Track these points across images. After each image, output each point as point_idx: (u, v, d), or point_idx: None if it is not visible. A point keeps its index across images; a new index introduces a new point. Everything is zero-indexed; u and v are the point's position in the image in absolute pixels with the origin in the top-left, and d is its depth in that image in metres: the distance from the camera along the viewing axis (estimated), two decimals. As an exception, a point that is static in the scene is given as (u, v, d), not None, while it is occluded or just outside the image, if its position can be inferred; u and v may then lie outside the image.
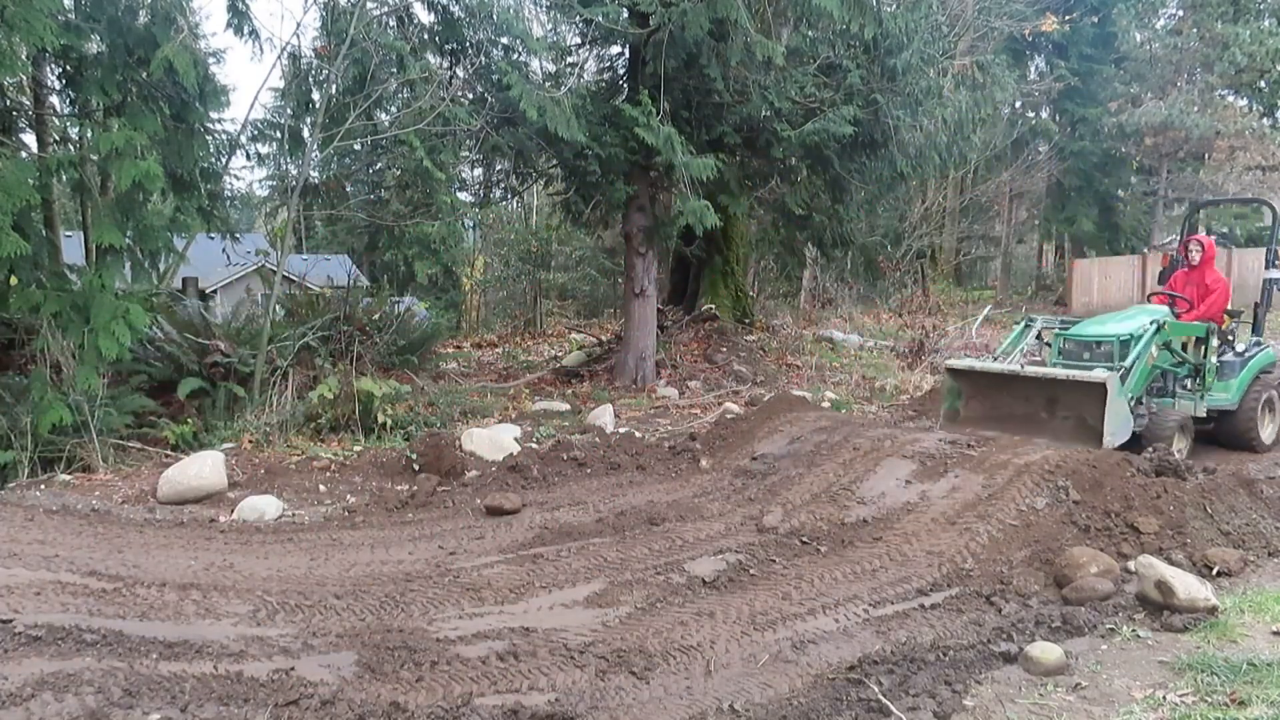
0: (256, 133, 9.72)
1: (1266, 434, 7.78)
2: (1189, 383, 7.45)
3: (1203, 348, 7.41)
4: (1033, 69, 28.52)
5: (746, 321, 15.82)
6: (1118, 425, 6.44)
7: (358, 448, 7.68)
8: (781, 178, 12.23)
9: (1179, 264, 8.21)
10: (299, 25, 13.31)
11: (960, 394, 7.51)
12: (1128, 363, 6.72)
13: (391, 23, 9.93)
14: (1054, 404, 6.96)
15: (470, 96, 10.15)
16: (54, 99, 9.24)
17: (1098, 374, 6.50)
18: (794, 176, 12.29)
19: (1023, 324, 8.07)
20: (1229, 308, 8.07)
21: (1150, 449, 6.14)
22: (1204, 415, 7.36)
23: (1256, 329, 8.32)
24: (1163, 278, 8.59)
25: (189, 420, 7.90)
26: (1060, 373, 6.84)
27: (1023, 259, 34.29)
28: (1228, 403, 7.55)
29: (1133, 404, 6.79)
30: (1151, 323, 7.02)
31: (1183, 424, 7.03)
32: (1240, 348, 7.88)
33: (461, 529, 5.72)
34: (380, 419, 8.16)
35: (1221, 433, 7.67)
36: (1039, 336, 8.07)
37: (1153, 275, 22.66)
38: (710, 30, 9.33)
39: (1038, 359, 8.25)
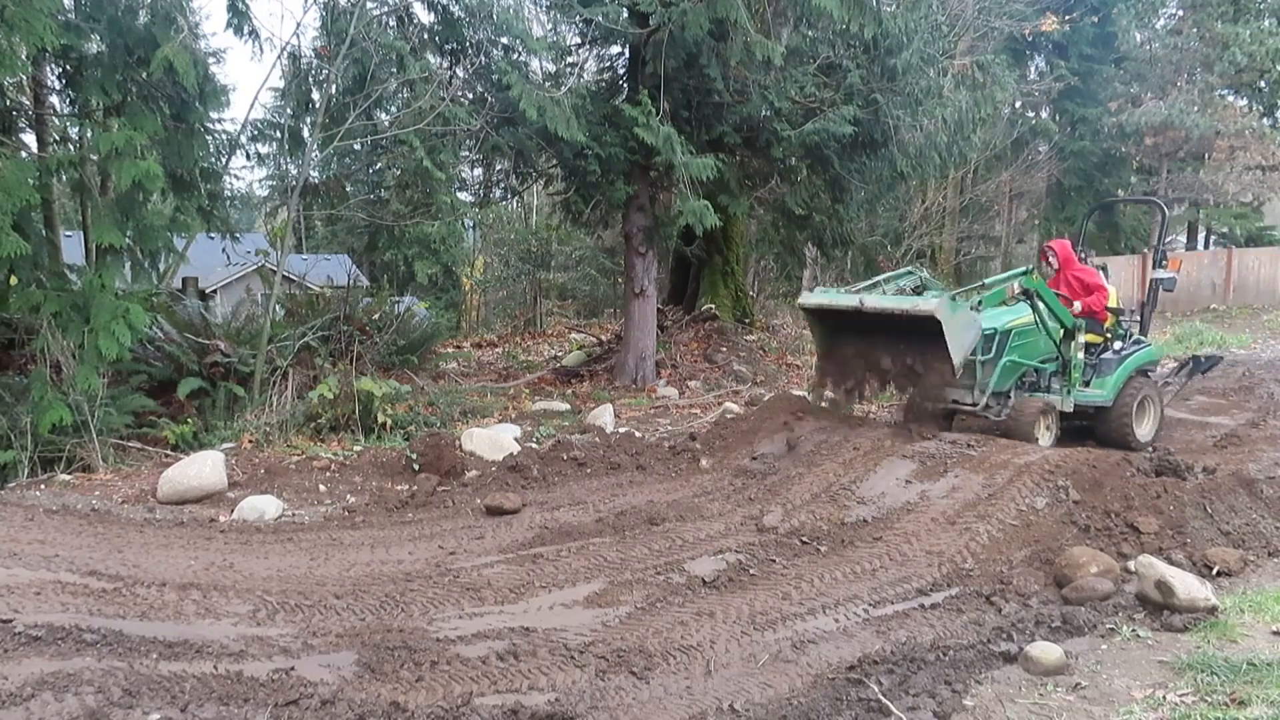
0: (256, 133, 9.72)
1: (1143, 432, 7.89)
2: (1056, 380, 7.72)
3: (1070, 342, 7.58)
4: (1033, 69, 28.47)
5: (746, 321, 15.82)
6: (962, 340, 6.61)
7: (358, 448, 7.68)
8: (781, 178, 12.23)
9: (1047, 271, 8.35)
10: (299, 25, 13.35)
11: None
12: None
13: (391, 23, 9.93)
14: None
15: (470, 96, 10.15)
16: (54, 99, 9.25)
17: (927, 304, 6.60)
18: (794, 176, 12.28)
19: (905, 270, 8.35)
20: (1113, 305, 8.24)
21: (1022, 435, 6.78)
22: (1070, 410, 7.55)
23: (1142, 329, 8.62)
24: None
25: (189, 420, 7.90)
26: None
27: (1022, 259, 34.17)
28: (1103, 400, 7.70)
29: (986, 398, 7.26)
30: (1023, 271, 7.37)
31: (1044, 409, 7.27)
32: (1118, 346, 8.04)
33: (461, 529, 5.72)
34: (380, 419, 8.17)
35: (1099, 430, 7.82)
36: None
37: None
38: (710, 30, 9.33)
39: None
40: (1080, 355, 7.66)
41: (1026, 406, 7.25)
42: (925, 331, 6.53)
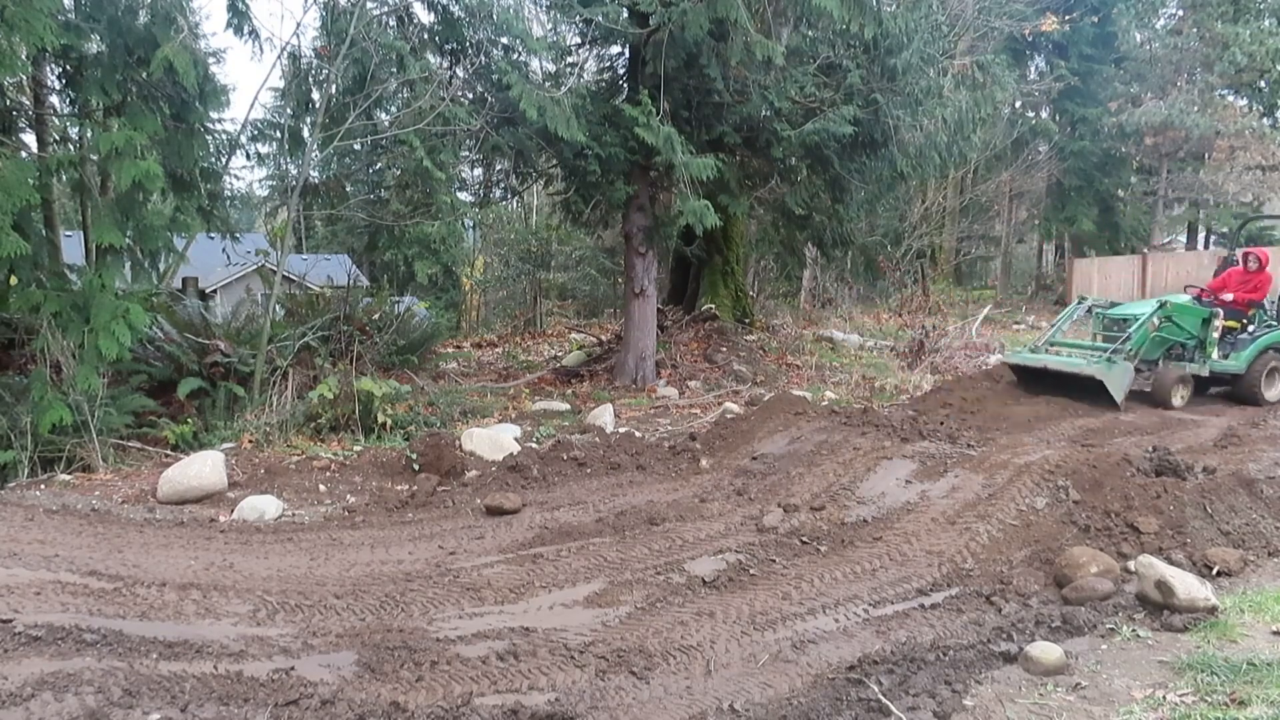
0: (256, 133, 9.72)
1: (1271, 394, 10.04)
2: (1195, 352, 9.95)
3: (1207, 327, 9.87)
4: (1033, 69, 28.46)
5: (746, 321, 15.82)
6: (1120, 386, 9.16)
7: (358, 448, 7.68)
8: (781, 178, 12.23)
9: (1232, 263, 10.90)
10: (299, 25, 13.38)
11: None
12: (1130, 333, 9.46)
13: (391, 23, 9.93)
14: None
15: (470, 96, 10.15)
16: (54, 99, 9.25)
17: (1091, 369, 9.23)
18: (794, 176, 12.28)
19: (1075, 301, 11.00)
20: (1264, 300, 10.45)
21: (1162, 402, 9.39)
22: (1207, 375, 9.85)
23: (1278, 316, 10.65)
24: (1216, 273, 11.17)
25: (189, 420, 7.90)
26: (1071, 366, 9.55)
27: (1023, 259, 34.24)
28: (1236, 369, 9.92)
29: (1137, 363, 9.49)
30: (1157, 302, 9.81)
31: (1181, 378, 9.65)
32: (1251, 329, 10.21)
33: (461, 529, 5.72)
34: (380, 419, 8.16)
35: (1235, 391, 10.09)
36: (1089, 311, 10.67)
37: (1153, 275, 22.76)
38: (710, 30, 9.32)
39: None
40: (1215, 335, 9.82)
41: (1166, 375, 9.61)
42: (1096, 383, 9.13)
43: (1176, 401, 9.44)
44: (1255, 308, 10.31)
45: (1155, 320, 9.48)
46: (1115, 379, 9.06)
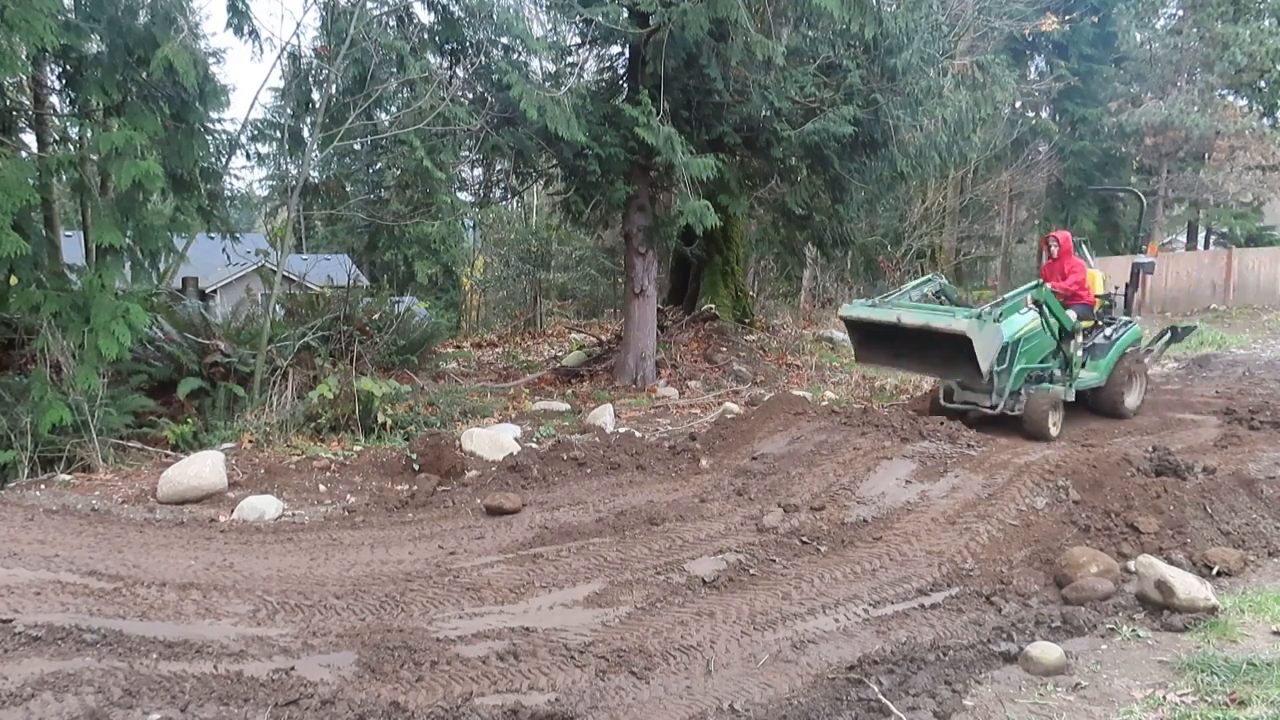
0: (256, 133, 9.72)
1: (1130, 401, 9.08)
2: (1059, 373, 8.59)
3: (1070, 342, 8.45)
4: (1033, 69, 28.45)
5: (746, 321, 15.82)
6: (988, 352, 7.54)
7: (358, 448, 7.68)
8: (781, 178, 12.23)
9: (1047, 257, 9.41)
10: (299, 25, 13.38)
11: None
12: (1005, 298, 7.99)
13: (391, 23, 9.93)
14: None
15: (470, 96, 10.15)
16: (54, 99, 9.25)
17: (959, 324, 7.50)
18: (794, 176, 12.29)
19: (928, 276, 9.42)
20: (1100, 292, 9.37)
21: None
22: (1072, 399, 8.56)
23: (1126, 309, 9.72)
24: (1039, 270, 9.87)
25: (189, 420, 7.90)
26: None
27: (1023, 259, 34.15)
28: (1098, 381, 8.82)
29: (1011, 397, 8.13)
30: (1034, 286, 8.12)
31: (1053, 405, 8.07)
32: (1108, 331, 9.11)
33: (461, 529, 5.72)
34: (380, 419, 8.17)
35: (1094, 404, 9.01)
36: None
37: (1152, 274, 22.74)
38: (710, 30, 9.33)
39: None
40: (1079, 353, 8.57)
41: (1038, 403, 7.95)
42: (956, 344, 7.48)
43: (1053, 431, 7.91)
44: (1106, 300, 9.36)
45: (1029, 298, 7.92)
46: (985, 341, 7.41)
